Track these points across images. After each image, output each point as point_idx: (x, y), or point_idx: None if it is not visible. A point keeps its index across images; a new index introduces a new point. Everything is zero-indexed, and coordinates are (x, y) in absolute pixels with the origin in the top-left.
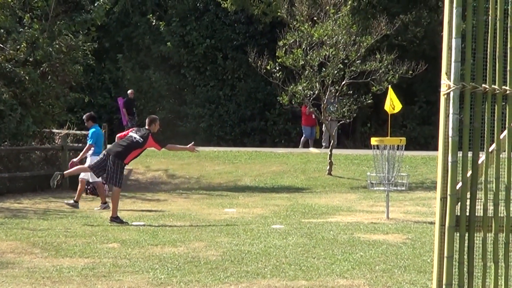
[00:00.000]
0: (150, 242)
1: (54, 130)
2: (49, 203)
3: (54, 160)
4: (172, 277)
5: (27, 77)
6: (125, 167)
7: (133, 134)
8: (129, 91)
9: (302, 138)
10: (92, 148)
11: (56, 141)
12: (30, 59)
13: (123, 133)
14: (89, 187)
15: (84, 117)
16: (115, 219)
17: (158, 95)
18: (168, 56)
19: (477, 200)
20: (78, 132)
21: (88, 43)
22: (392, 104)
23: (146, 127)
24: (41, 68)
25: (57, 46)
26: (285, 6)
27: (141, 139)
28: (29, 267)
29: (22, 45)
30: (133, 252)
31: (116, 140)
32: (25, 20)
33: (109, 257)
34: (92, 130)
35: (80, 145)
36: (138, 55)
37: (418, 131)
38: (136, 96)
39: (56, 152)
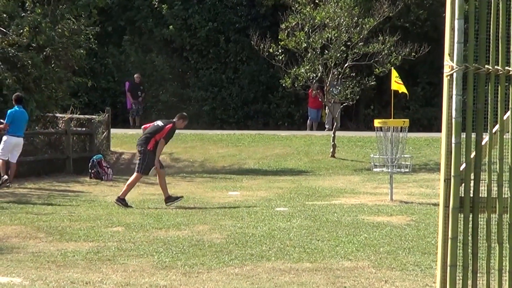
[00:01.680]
0: (154, 225)
1: (58, 115)
2: (53, 188)
3: (57, 145)
4: (176, 260)
5: (30, 62)
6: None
7: (158, 122)
8: (135, 75)
9: (308, 120)
10: (7, 128)
11: (60, 126)
12: (33, 44)
13: (147, 124)
14: (92, 171)
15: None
16: (122, 201)
17: (161, 79)
18: (170, 40)
19: (481, 181)
20: (81, 116)
21: (91, 27)
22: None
23: (175, 119)
24: (44, 53)
25: (59, 30)
26: None
27: (161, 123)
28: (34, 251)
29: (25, 30)
30: (138, 235)
31: (142, 131)
32: (27, 4)
33: (114, 240)
34: (10, 110)
35: (84, 129)
36: (140, 39)
37: (421, 112)
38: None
39: (60, 137)
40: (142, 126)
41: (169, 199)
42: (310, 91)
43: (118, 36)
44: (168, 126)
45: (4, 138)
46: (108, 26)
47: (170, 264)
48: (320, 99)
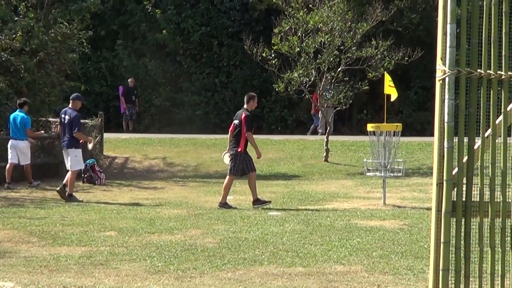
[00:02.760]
0: (147, 230)
1: (51, 119)
2: (45, 192)
3: (50, 149)
4: (169, 265)
5: (23, 66)
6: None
7: (234, 121)
8: (129, 80)
9: (312, 125)
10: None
11: (53, 130)
12: (26, 48)
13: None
14: (85, 175)
15: None
16: (224, 205)
17: (154, 83)
18: (164, 44)
19: (473, 186)
20: None
21: (83, 31)
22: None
23: (244, 105)
24: (37, 57)
25: (52, 34)
26: None
27: (237, 121)
28: (26, 256)
29: (18, 34)
30: (130, 240)
31: (228, 136)
32: (20, 9)
33: (106, 245)
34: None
35: None
36: (134, 43)
37: (414, 117)
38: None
39: (53, 141)
40: (229, 129)
41: (257, 201)
42: (315, 95)
43: (111, 40)
44: (243, 117)
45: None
46: (101, 30)
47: (162, 268)
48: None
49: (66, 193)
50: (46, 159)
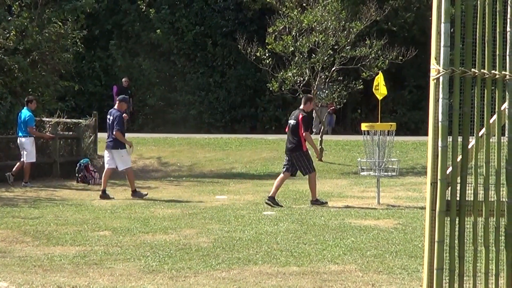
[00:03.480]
0: (141, 229)
1: (45, 119)
2: (39, 192)
3: (44, 149)
4: (163, 264)
5: (16, 66)
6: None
7: (290, 121)
8: (123, 79)
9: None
10: None
11: (47, 130)
12: (20, 48)
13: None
14: (79, 175)
15: None
16: (316, 201)
17: (148, 83)
18: (158, 43)
19: (467, 185)
20: (68, 120)
21: (77, 31)
22: (377, 86)
23: (301, 106)
24: (31, 57)
25: (46, 34)
26: None
27: (294, 121)
28: (20, 255)
29: (12, 34)
30: (125, 239)
31: (305, 136)
32: (14, 8)
33: (101, 245)
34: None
35: (71, 133)
36: (128, 43)
37: (409, 116)
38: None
39: (47, 141)
40: (285, 130)
41: (316, 201)
42: None
43: (105, 40)
44: (300, 117)
45: None
46: (95, 30)
47: (157, 268)
48: (333, 103)
49: (132, 194)
50: (40, 159)
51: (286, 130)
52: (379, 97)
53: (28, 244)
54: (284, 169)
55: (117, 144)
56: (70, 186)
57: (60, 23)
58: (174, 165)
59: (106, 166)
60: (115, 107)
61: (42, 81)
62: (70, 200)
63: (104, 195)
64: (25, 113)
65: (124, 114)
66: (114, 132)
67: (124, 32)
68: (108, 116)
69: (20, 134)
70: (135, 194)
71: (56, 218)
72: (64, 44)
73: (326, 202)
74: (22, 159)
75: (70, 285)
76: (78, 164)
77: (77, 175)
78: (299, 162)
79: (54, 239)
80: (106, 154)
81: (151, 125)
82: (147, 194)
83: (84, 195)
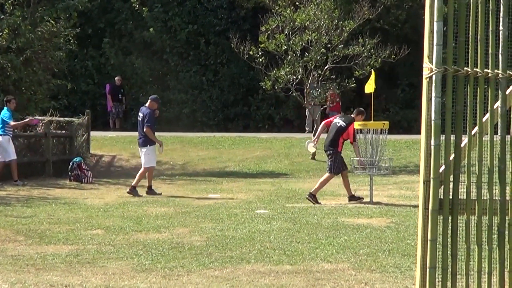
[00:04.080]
0: (134, 228)
1: (38, 117)
2: (32, 190)
3: (37, 147)
4: (156, 263)
5: (9, 64)
6: None
7: (337, 119)
8: (116, 78)
9: None
10: None
11: (39, 128)
12: (13, 46)
13: (329, 119)
14: (72, 174)
15: None
16: (313, 197)
17: (141, 81)
18: (150, 42)
19: (460, 183)
20: (61, 119)
21: (70, 29)
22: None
23: (353, 115)
24: (24, 55)
25: (39, 32)
26: None
27: (344, 123)
28: (13, 254)
29: (4, 32)
30: (117, 238)
31: (321, 124)
32: (6, 7)
33: (93, 243)
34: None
35: (64, 132)
36: (120, 41)
37: (401, 114)
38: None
39: (39, 139)
40: (323, 122)
41: (352, 197)
42: (331, 95)
43: (98, 39)
44: (350, 127)
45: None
46: (88, 28)
47: (150, 266)
48: (339, 102)
49: (131, 189)
50: (32, 158)
51: (328, 124)
52: (366, 91)
53: (20, 243)
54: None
55: (146, 142)
56: (63, 185)
57: (52, 22)
58: (167, 163)
59: (147, 165)
60: (146, 105)
61: (35, 79)
62: (63, 198)
63: (150, 191)
64: (3, 112)
65: (155, 110)
66: (144, 129)
67: (117, 31)
68: (139, 114)
69: None
70: (150, 191)
71: (49, 217)
72: (56, 43)
73: (320, 203)
74: (0, 160)
75: (63, 284)
76: (71, 163)
77: (70, 173)
78: (331, 159)
79: (47, 238)
80: (140, 152)
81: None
82: (161, 194)
83: (77, 194)
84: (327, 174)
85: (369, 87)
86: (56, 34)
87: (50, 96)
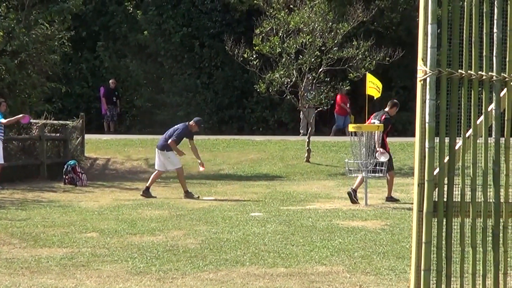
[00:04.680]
0: (128, 231)
1: (32, 120)
2: (27, 193)
3: (31, 150)
4: (151, 266)
5: (3, 67)
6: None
7: (373, 120)
8: (110, 81)
9: (334, 126)
10: None
11: (34, 131)
12: (7, 49)
13: (368, 121)
14: (66, 177)
15: None
16: (390, 198)
17: (136, 84)
18: (145, 45)
19: (454, 186)
20: (55, 122)
21: (64, 32)
22: (377, 87)
23: (386, 108)
24: (18, 58)
25: (33, 35)
26: None
27: (377, 121)
28: (7, 257)
29: None
30: (112, 241)
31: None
32: (1, 10)
33: (88, 246)
34: None
35: (58, 135)
36: (115, 44)
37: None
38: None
39: (34, 142)
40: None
41: (390, 198)
42: (339, 97)
43: (92, 42)
44: (382, 118)
45: None
46: (82, 31)
47: (144, 269)
48: (348, 104)
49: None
50: (27, 160)
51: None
52: (372, 94)
53: (15, 246)
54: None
55: (164, 147)
56: (57, 188)
57: (47, 25)
58: None
59: (172, 168)
60: (189, 123)
61: (29, 82)
62: (57, 201)
63: (188, 195)
64: None
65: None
66: (169, 142)
67: (111, 34)
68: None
69: None
70: (188, 195)
71: (43, 220)
72: (51, 46)
73: (398, 200)
74: None
75: (57, 287)
76: (65, 166)
77: (64, 176)
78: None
79: (41, 241)
80: (157, 154)
81: (139, 126)
82: (198, 197)
83: (72, 197)
84: (388, 174)
85: (375, 91)
86: (51, 37)
87: (44, 99)
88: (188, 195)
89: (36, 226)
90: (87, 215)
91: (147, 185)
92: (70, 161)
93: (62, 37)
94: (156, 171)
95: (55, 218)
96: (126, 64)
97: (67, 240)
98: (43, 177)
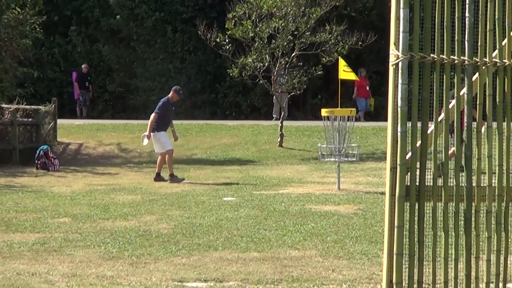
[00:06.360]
0: (101, 216)
1: (4, 105)
2: None
3: (3, 135)
4: (123, 251)
5: None
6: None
7: None
8: (83, 65)
9: (359, 112)
10: None
11: (6, 116)
12: None
13: None
14: (39, 162)
15: None
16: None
17: (108, 69)
18: (117, 29)
19: (426, 170)
20: (27, 106)
21: (36, 17)
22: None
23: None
24: None
25: (5, 20)
26: None
27: None
28: None
29: None
30: (84, 226)
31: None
32: None
33: (60, 231)
34: None
35: (30, 120)
36: (87, 29)
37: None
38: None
39: (6, 127)
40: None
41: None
42: (359, 80)
43: (64, 26)
44: None
45: None
46: (54, 15)
47: (117, 254)
48: (368, 87)
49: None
50: None
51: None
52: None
53: None
54: None
55: (155, 128)
56: (29, 173)
57: (18, 9)
58: (134, 151)
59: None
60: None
61: (1, 67)
62: (29, 187)
63: (172, 178)
64: None
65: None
66: (152, 115)
67: (84, 18)
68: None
69: None
70: (173, 178)
71: (16, 205)
72: (23, 30)
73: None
74: None
75: (30, 272)
76: (37, 151)
77: (36, 161)
78: None
79: (14, 226)
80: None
81: (111, 111)
82: (184, 179)
83: (44, 182)
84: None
85: (351, 75)
86: (22, 21)
87: (16, 84)
88: (173, 178)
89: (8, 211)
90: (60, 200)
91: (157, 171)
92: (42, 146)
93: (34, 22)
94: (159, 156)
95: (27, 203)
96: (99, 48)
97: (39, 225)
98: (15, 162)
